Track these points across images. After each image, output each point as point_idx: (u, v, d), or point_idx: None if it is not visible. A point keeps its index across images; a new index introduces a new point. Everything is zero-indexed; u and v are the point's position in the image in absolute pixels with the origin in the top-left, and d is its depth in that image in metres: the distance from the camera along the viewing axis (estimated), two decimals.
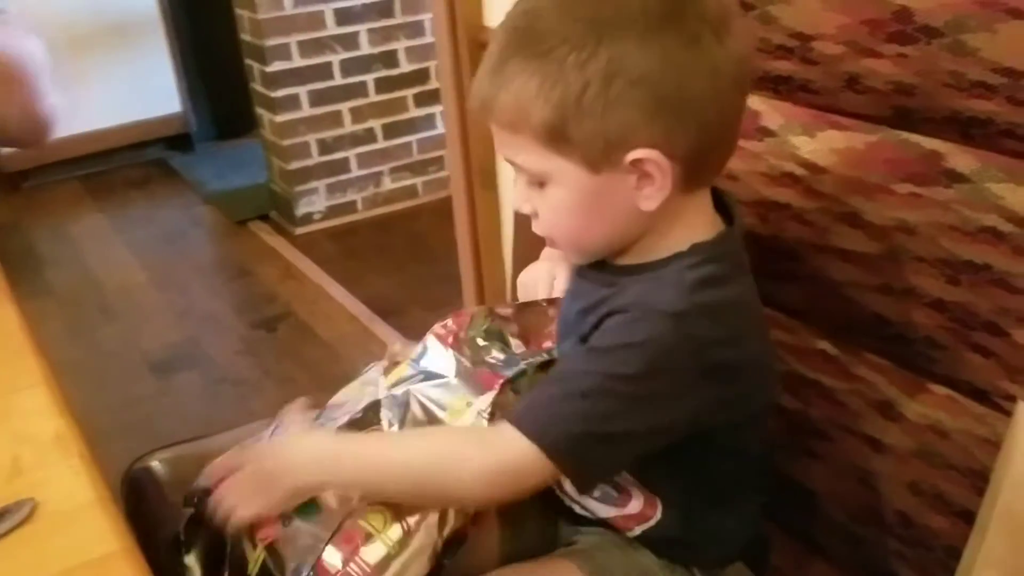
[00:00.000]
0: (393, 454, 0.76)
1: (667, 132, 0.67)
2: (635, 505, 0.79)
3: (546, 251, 0.94)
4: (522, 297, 0.95)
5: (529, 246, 1.26)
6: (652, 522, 0.80)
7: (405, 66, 3.05)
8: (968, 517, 0.72)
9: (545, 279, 0.93)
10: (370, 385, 0.86)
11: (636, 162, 0.68)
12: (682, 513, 0.80)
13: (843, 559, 0.92)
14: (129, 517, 1.05)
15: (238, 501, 0.75)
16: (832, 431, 0.88)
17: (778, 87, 0.88)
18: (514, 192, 0.76)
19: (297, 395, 2.46)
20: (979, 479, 0.75)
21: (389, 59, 3.01)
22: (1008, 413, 0.66)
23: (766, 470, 0.86)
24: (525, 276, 0.96)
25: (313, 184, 3.05)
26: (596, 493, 0.81)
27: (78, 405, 0.85)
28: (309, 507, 0.75)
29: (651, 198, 0.70)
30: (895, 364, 0.83)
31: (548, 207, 0.73)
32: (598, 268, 0.78)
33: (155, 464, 1.10)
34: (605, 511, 0.81)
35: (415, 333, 2.70)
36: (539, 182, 0.72)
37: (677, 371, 0.69)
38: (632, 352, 0.68)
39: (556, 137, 0.68)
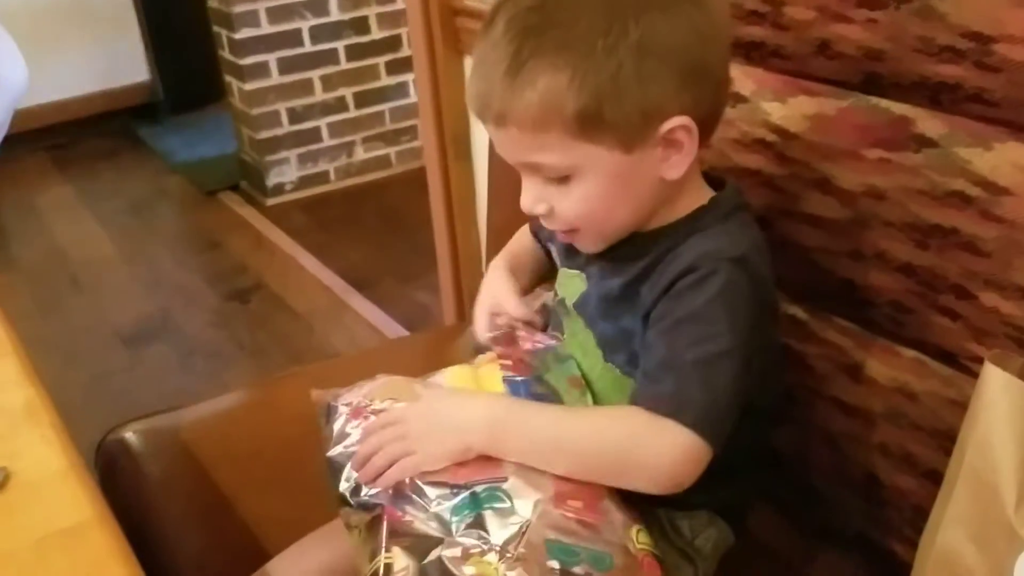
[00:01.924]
0: (573, 432, 0.72)
1: (694, 97, 0.71)
2: None
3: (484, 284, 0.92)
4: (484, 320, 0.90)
5: (504, 217, 1.26)
6: None
7: (376, 33, 3.01)
8: (935, 477, 0.73)
9: (492, 305, 0.90)
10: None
11: (668, 132, 0.70)
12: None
13: (811, 520, 0.94)
14: (103, 488, 1.06)
15: (404, 450, 0.70)
16: (801, 395, 0.90)
17: (750, 53, 0.88)
18: (524, 195, 0.76)
19: (271, 368, 2.45)
20: (946, 440, 0.76)
21: (360, 25, 2.98)
22: (975, 375, 0.67)
23: (772, 428, 0.88)
24: (479, 318, 0.91)
25: (284, 154, 3.02)
26: None
27: (50, 378, 0.84)
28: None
29: (677, 166, 0.73)
30: (864, 328, 0.84)
31: (573, 200, 0.74)
32: (617, 244, 0.79)
33: (129, 436, 1.10)
34: None
35: (389, 305, 2.68)
36: (561, 177, 0.73)
37: (752, 313, 0.71)
38: (717, 306, 0.70)
39: (590, 124, 0.69)
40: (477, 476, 0.69)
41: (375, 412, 0.77)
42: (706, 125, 0.73)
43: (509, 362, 0.81)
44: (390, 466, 0.71)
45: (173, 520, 1.01)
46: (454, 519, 0.67)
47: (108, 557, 0.61)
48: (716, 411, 0.69)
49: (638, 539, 0.70)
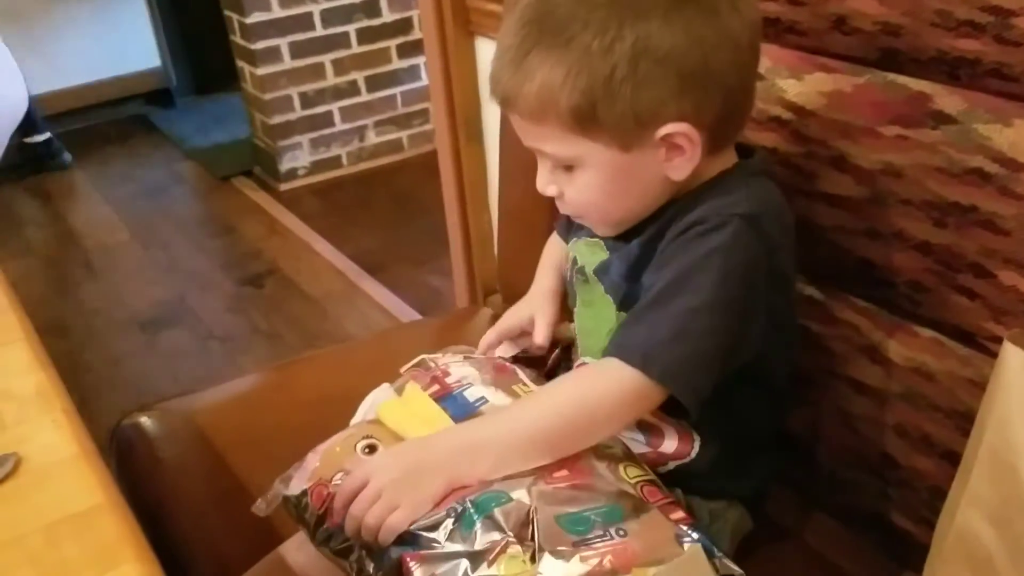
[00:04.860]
0: (536, 421, 0.72)
1: (695, 104, 0.70)
2: (669, 444, 0.80)
3: (527, 298, 0.95)
4: (501, 337, 0.93)
5: (516, 200, 1.25)
6: (687, 459, 0.80)
7: (387, 15, 3.00)
8: (953, 458, 0.72)
9: (525, 320, 0.93)
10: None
11: (666, 136, 0.70)
12: (718, 450, 0.80)
13: (829, 502, 0.93)
14: (118, 473, 1.06)
15: (387, 506, 0.68)
16: (817, 376, 0.89)
17: (766, 29, 0.86)
18: (538, 175, 0.77)
19: (285, 351, 2.47)
20: (964, 420, 0.76)
21: (371, 8, 2.97)
22: (993, 355, 0.66)
23: (786, 409, 0.88)
24: (505, 322, 0.95)
25: (296, 139, 3.02)
26: (625, 432, 0.80)
27: (65, 363, 0.84)
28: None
29: (680, 168, 0.73)
30: (881, 308, 0.83)
31: (577, 189, 0.75)
32: None
33: (144, 420, 1.10)
34: (637, 448, 0.80)
35: (402, 289, 2.69)
36: (566, 166, 0.74)
37: (754, 274, 0.71)
38: (715, 259, 0.70)
39: (585, 121, 0.70)
40: (463, 495, 0.68)
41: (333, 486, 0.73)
42: (715, 132, 0.72)
43: (437, 387, 0.81)
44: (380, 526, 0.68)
45: (188, 504, 1.01)
46: (468, 532, 0.65)
47: (119, 542, 0.61)
48: (675, 356, 0.69)
49: (629, 476, 0.71)
